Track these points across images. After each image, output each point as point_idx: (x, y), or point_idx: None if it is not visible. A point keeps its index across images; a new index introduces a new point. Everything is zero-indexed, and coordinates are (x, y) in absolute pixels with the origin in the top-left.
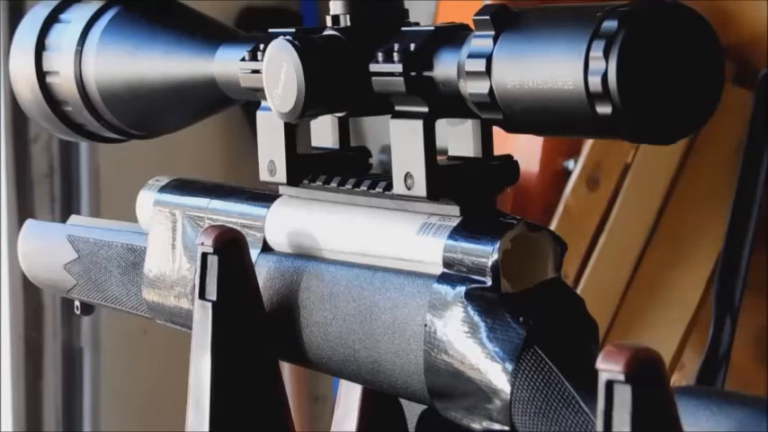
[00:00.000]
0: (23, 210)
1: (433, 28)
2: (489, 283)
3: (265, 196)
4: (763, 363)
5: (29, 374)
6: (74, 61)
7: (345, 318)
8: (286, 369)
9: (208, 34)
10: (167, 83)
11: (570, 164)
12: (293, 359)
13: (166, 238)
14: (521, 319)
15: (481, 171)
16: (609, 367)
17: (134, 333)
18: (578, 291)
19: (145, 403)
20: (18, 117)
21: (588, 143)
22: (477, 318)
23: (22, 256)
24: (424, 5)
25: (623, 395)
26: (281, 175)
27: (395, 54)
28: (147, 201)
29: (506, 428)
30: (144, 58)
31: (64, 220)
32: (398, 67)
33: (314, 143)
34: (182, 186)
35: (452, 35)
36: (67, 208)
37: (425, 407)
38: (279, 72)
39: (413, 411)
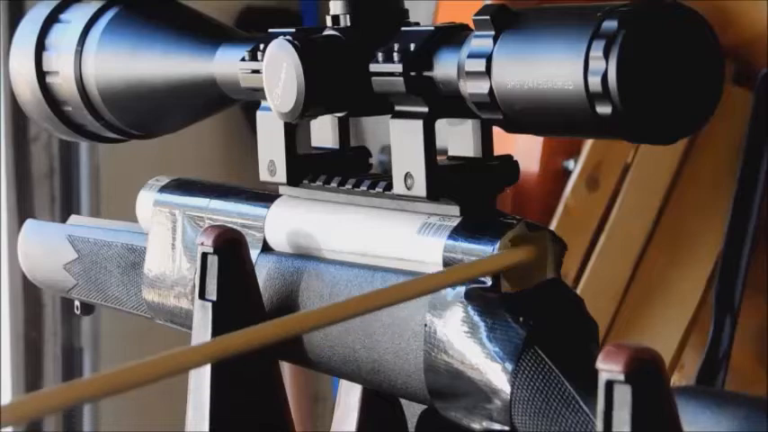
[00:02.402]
0: (23, 210)
1: (432, 28)
2: (489, 283)
3: (265, 196)
4: (763, 363)
5: (29, 374)
6: (74, 61)
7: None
8: (286, 369)
9: (208, 34)
10: (167, 83)
11: (570, 164)
12: (293, 359)
13: (166, 238)
14: (521, 319)
15: (481, 171)
16: (609, 367)
17: (134, 333)
18: (578, 291)
19: (145, 403)
20: (18, 117)
21: (588, 143)
22: (477, 318)
23: (22, 256)
24: (423, 5)
25: (623, 395)
26: (281, 175)
27: (395, 54)
28: (147, 201)
29: (506, 428)
30: (144, 58)
31: (64, 220)
32: (398, 67)
33: (314, 143)
34: (182, 186)
35: (452, 35)
36: (67, 208)
37: (425, 407)
38: (279, 72)
39: (413, 411)
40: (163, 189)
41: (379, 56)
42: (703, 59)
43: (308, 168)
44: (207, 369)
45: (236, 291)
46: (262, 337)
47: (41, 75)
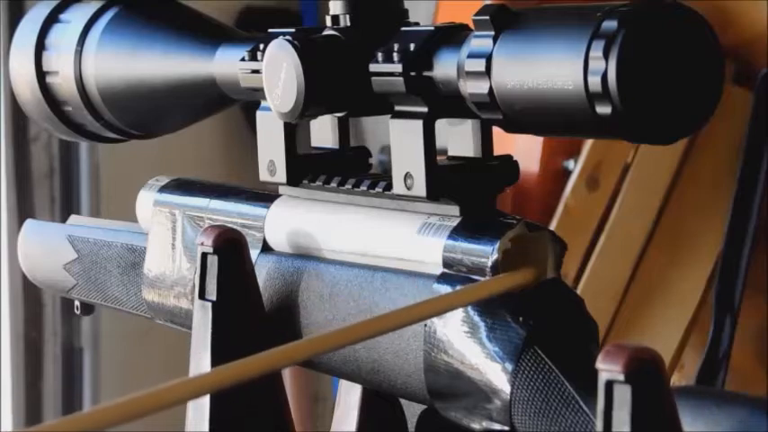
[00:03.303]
0: (23, 210)
1: (432, 28)
2: None
3: (265, 196)
4: (763, 363)
5: (29, 374)
6: (74, 61)
7: (345, 318)
8: (286, 369)
9: (208, 34)
10: (167, 83)
11: (570, 164)
12: None
13: (166, 238)
14: (521, 319)
15: (481, 171)
16: (609, 367)
17: (134, 333)
18: (578, 290)
19: None
20: (18, 117)
21: (588, 143)
22: (477, 318)
23: (22, 256)
24: (423, 5)
25: (623, 395)
26: (280, 175)
27: (395, 54)
28: (147, 201)
29: (506, 428)
30: (144, 58)
31: (64, 220)
32: (398, 67)
33: (314, 143)
34: (182, 186)
35: (452, 35)
36: (67, 208)
37: (425, 407)
38: (279, 72)
39: (413, 411)
40: (163, 189)
41: (379, 56)
42: (703, 59)
43: (307, 168)
44: (207, 368)
45: (236, 291)
46: (263, 366)
47: (41, 75)
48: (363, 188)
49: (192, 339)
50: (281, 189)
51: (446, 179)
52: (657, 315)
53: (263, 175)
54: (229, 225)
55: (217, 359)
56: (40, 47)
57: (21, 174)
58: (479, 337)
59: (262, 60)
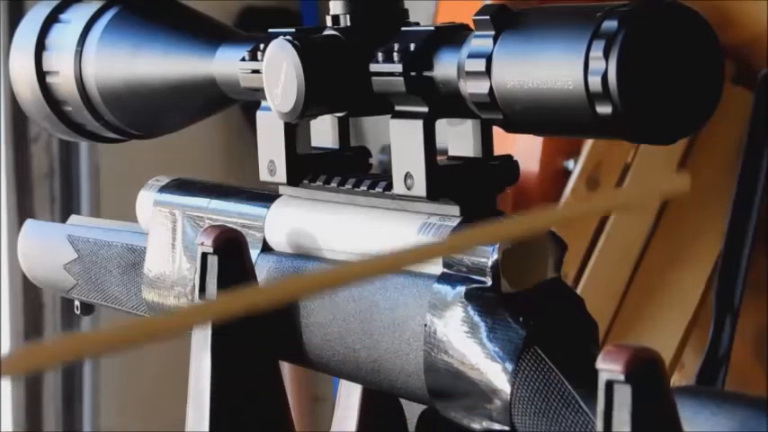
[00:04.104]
0: (23, 210)
1: (432, 28)
2: (489, 283)
3: (265, 196)
4: (763, 363)
5: (29, 374)
6: (74, 61)
7: (345, 318)
8: (286, 369)
9: (208, 34)
10: (167, 83)
11: (570, 164)
12: (293, 359)
13: (166, 238)
14: (521, 319)
15: (481, 171)
16: (609, 367)
17: None
18: (578, 291)
19: (145, 403)
20: (18, 117)
21: (588, 143)
22: (477, 318)
23: (22, 256)
24: (423, 5)
25: (623, 395)
26: (280, 175)
27: (395, 54)
28: (147, 201)
29: (506, 428)
30: (144, 58)
31: (64, 220)
32: (398, 67)
33: (314, 143)
34: (182, 186)
35: (452, 35)
36: (67, 208)
37: (425, 407)
38: (279, 72)
39: (413, 411)
40: (163, 189)
41: (379, 56)
42: (703, 59)
43: (308, 168)
44: (207, 369)
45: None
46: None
47: (41, 75)
48: (363, 188)
49: (192, 339)
50: (282, 189)
51: (446, 179)
52: (657, 315)
53: (263, 175)
54: (229, 225)
55: (217, 359)
56: (40, 47)
57: (21, 174)
58: (479, 337)
59: (262, 60)
